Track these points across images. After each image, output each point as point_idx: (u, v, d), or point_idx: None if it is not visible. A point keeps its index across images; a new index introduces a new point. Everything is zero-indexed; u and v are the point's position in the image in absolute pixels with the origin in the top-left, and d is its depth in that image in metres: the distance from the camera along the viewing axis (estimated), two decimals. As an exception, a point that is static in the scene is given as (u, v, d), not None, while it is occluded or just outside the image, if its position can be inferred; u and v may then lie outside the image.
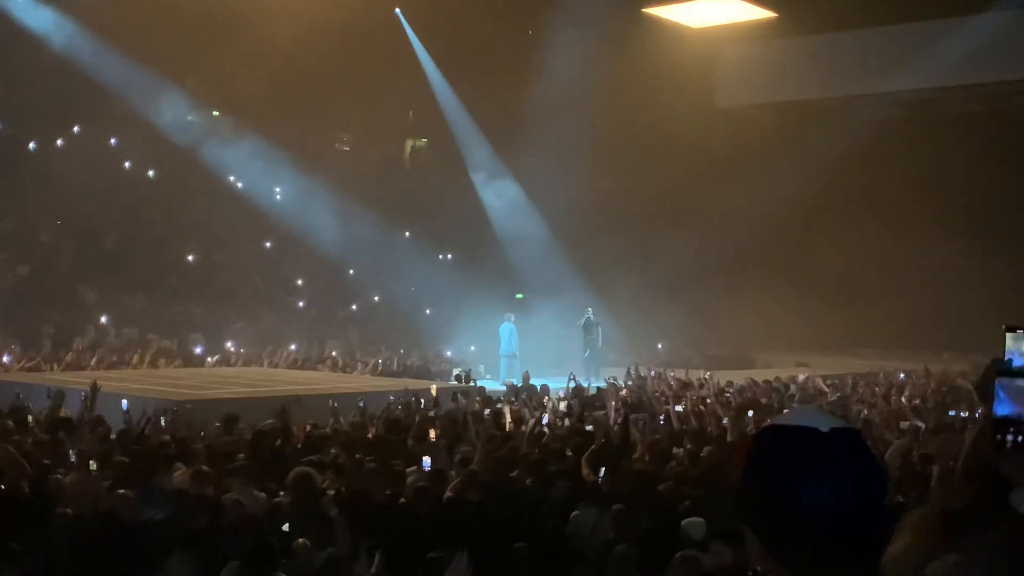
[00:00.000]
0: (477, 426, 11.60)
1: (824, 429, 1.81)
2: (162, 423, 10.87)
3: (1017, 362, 2.57)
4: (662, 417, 12.37)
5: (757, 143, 29.19)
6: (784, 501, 1.77)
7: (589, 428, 11.46)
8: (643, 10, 26.50)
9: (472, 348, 25.29)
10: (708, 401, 14.24)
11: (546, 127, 25.45)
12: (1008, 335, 2.61)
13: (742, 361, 25.57)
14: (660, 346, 27.71)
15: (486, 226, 29.73)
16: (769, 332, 28.40)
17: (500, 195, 29.36)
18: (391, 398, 13.73)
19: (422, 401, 13.37)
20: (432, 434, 10.35)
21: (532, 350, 22.69)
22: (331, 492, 7.80)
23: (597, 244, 27.76)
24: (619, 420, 11.96)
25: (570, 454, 9.78)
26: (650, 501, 8.20)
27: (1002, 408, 2.32)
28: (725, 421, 12.14)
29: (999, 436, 2.30)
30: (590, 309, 23.79)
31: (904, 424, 12.37)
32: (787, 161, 28.78)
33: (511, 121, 26.85)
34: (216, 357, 22.38)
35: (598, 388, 17.17)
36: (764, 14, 26.71)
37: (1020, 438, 2.29)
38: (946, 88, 27.22)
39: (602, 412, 12.96)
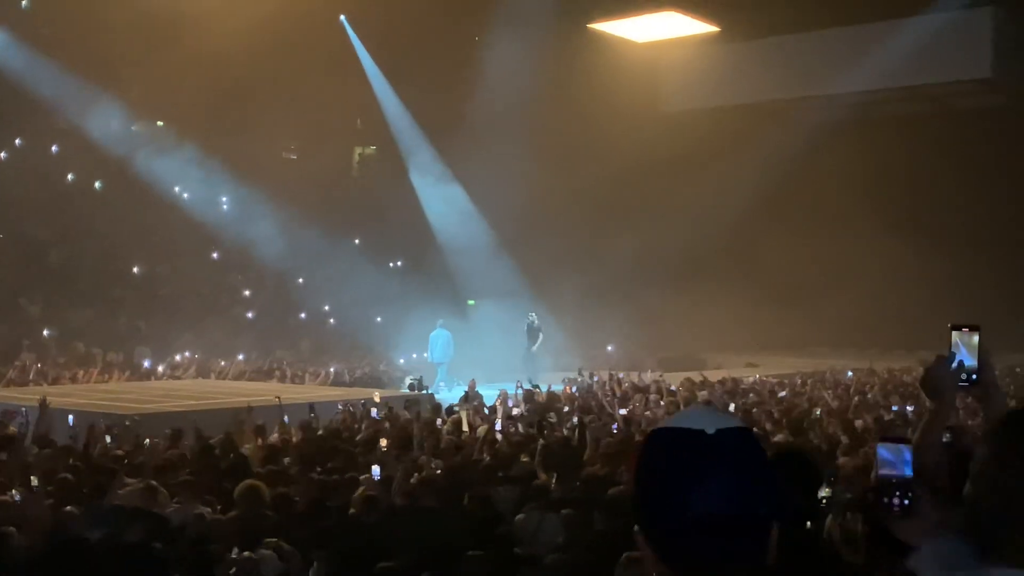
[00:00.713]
0: (427, 434, 11.58)
1: (711, 430, 1.76)
2: (108, 439, 10.72)
3: (961, 357, 2.62)
4: (615, 424, 12.39)
5: (705, 146, 29.46)
6: (672, 505, 1.73)
7: (545, 432, 11.47)
8: (588, 25, 26.71)
9: (425, 355, 25.27)
10: (662, 403, 14.31)
11: (491, 132, 25.50)
12: (954, 333, 2.65)
13: (693, 363, 25.74)
14: (610, 348, 27.80)
15: (433, 232, 29.67)
16: (719, 333, 28.65)
17: (447, 201, 29.31)
18: (339, 407, 13.66)
19: (372, 410, 13.30)
20: (383, 442, 10.31)
21: (479, 356, 22.62)
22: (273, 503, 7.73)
23: (544, 248, 27.78)
24: (572, 424, 12.01)
25: (526, 459, 9.78)
26: (603, 505, 8.22)
27: (885, 469, 2.32)
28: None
29: (885, 499, 2.29)
30: (532, 314, 23.68)
31: (859, 423, 12.46)
32: (734, 164, 29.10)
33: (457, 127, 26.84)
34: (164, 369, 22.16)
35: (549, 392, 17.17)
36: (708, 28, 27.08)
37: (907, 501, 2.28)
38: (888, 90, 27.66)
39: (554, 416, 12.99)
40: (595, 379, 18.93)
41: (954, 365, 2.62)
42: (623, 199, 29.18)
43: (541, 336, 23.38)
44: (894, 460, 2.30)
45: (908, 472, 2.30)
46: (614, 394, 16.34)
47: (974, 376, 2.62)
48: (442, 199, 29.45)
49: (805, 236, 28.94)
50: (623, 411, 13.10)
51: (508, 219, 27.68)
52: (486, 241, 28.53)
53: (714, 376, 19.98)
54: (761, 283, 29.00)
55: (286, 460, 9.75)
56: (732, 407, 14.12)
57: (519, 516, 7.88)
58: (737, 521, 1.73)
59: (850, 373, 20.81)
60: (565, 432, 11.79)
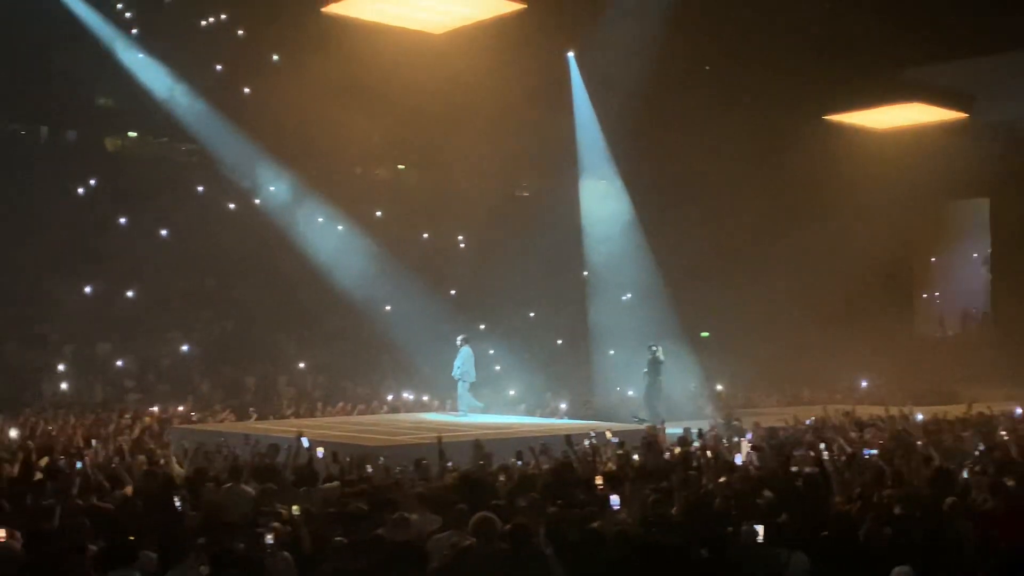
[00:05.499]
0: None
1: None
2: (368, 469, 11.25)
3: None
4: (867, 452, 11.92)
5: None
6: None
7: (794, 469, 11.20)
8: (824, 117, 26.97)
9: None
10: (919, 443, 13.58)
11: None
12: None
13: (943, 396, 24.27)
14: (864, 384, 26.74)
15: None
16: (970, 364, 27.16)
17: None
18: (586, 442, 13.70)
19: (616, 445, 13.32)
20: (599, 480, 10.28)
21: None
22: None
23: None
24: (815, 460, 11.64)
25: (769, 495, 9.58)
26: (850, 544, 7.98)
27: None
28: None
29: None
30: (656, 346, 21.89)
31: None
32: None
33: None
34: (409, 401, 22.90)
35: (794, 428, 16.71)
36: (956, 115, 26.82)
37: None
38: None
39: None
40: (775, 425, 17.94)
41: None
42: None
43: (662, 370, 21.66)
44: None
45: None
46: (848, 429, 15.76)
47: None
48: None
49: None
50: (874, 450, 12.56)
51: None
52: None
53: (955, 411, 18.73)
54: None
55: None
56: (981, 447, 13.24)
57: (763, 553, 7.72)
58: None
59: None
60: (807, 469, 11.43)
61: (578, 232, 29.84)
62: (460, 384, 20.52)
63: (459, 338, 20.84)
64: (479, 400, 20.82)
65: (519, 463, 12.35)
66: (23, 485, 10.10)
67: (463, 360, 20.35)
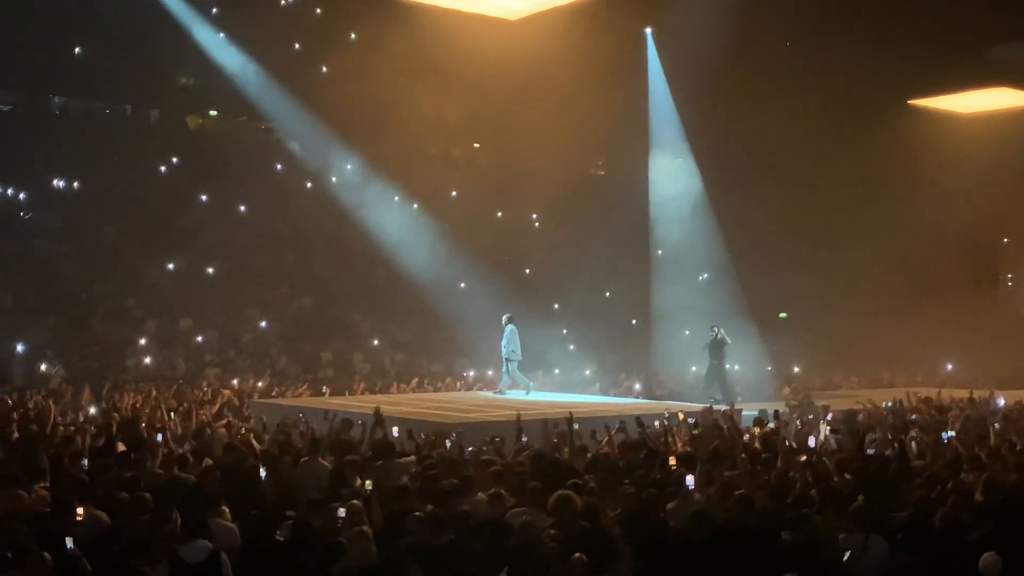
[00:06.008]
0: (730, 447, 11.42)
1: None
2: (447, 445, 11.34)
3: None
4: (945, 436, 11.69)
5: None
6: None
7: (871, 452, 11.02)
8: (909, 102, 26.93)
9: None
10: (996, 426, 13.29)
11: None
12: None
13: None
14: (950, 367, 26.14)
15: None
16: None
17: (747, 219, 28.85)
18: (657, 423, 13.61)
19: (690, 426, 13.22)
20: (672, 461, 10.18)
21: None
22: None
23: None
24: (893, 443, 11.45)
25: (848, 477, 9.45)
26: (929, 529, 7.83)
27: None
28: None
29: None
30: (719, 329, 21.94)
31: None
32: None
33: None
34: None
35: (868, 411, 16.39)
36: None
37: None
38: None
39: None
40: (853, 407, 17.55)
41: None
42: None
43: (727, 351, 21.72)
44: None
45: None
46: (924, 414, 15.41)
47: None
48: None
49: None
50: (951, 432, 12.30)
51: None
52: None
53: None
54: None
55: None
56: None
57: (842, 537, 7.61)
58: None
59: None
60: (886, 452, 11.25)
61: (649, 210, 29.67)
62: (512, 364, 20.40)
63: (504, 317, 20.76)
64: (522, 381, 20.67)
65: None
66: (106, 456, 10.34)
67: (508, 339, 20.30)
